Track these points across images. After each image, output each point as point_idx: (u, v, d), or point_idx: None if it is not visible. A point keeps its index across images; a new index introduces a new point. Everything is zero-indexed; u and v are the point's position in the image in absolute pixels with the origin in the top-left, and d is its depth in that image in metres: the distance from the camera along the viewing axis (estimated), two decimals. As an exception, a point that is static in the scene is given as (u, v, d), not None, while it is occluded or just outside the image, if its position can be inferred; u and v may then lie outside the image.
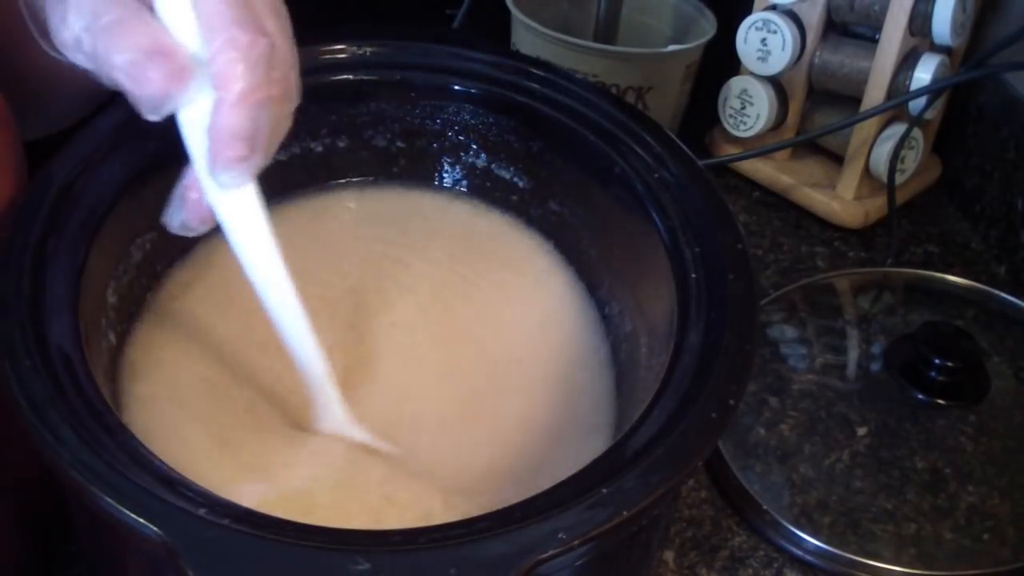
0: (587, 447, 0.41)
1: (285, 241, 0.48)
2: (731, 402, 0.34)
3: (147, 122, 0.34)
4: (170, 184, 0.43)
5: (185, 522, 0.29)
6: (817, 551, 0.48)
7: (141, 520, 0.28)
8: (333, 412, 0.40)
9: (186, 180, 0.37)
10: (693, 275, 0.39)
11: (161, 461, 0.31)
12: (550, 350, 0.45)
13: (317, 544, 0.29)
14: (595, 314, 0.48)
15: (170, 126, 0.35)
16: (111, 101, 0.42)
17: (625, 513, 0.30)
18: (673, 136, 0.46)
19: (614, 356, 0.46)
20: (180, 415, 0.40)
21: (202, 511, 0.29)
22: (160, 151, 0.41)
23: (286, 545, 0.28)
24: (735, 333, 0.36)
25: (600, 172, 0.46)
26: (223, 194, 0.35)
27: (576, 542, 0.29)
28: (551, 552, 0.29)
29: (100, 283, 0.39)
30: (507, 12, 0.72)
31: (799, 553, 0.49)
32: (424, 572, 0.28)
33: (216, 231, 0.37)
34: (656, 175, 0.43)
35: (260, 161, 0.34)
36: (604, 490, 0.30)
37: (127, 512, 0.28)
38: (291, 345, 0.38)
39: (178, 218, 0.37)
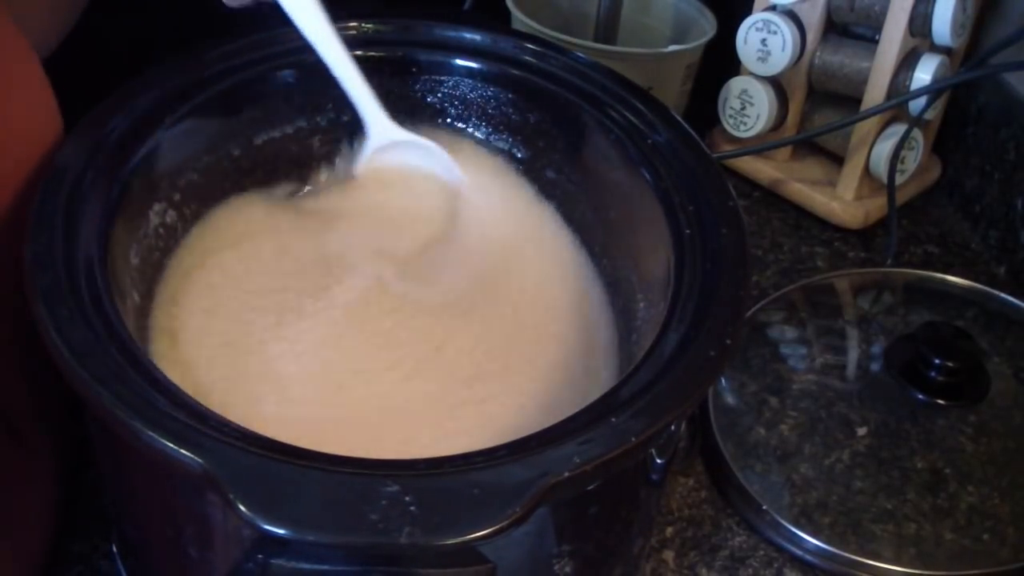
0: (591, 394, 0.42)
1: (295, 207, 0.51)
2: (728, 341, 0.36)
3: (167, 97, 0.43)
4: (180, 159, 0.46)
5: (225, 453, 0.30)
6: (817, 551, 0.48)
7: (184, 452, 0.29)
8: (380, 121, 0.49)
9: None
10: (687, 231, 0.41)
11: (196, 401, 0.32)
12: (557, 306, 0.47)
13: (350, 470, 0.30)
14: (593, 271, 0.49)
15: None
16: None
17: (634, 439, 0.32)
18: (664, 103, 0.47)
19: (613, 311, 0.47)
20: (204, 377, 0.41)
21: (240, 443, 0.30)
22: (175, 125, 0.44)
23: (322, 471, 0.30)
24: (730, 281, 0.38)
25: (595, 140, 0.47)
26: None
27: (590, 466, 0.31)
28: (567, 475, 0.30)
29: (124, 244, 0.41)
30: (507, 12, 0.72)
31: (799, 553, 0.49)
32: (449, 493, 0.30)
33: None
34: (649, 140, 0.45)
35: None
36: (613, 419, 0.32)
37: (170, 445, 0.30)
38: (342, 76, 0.47)
39: None
